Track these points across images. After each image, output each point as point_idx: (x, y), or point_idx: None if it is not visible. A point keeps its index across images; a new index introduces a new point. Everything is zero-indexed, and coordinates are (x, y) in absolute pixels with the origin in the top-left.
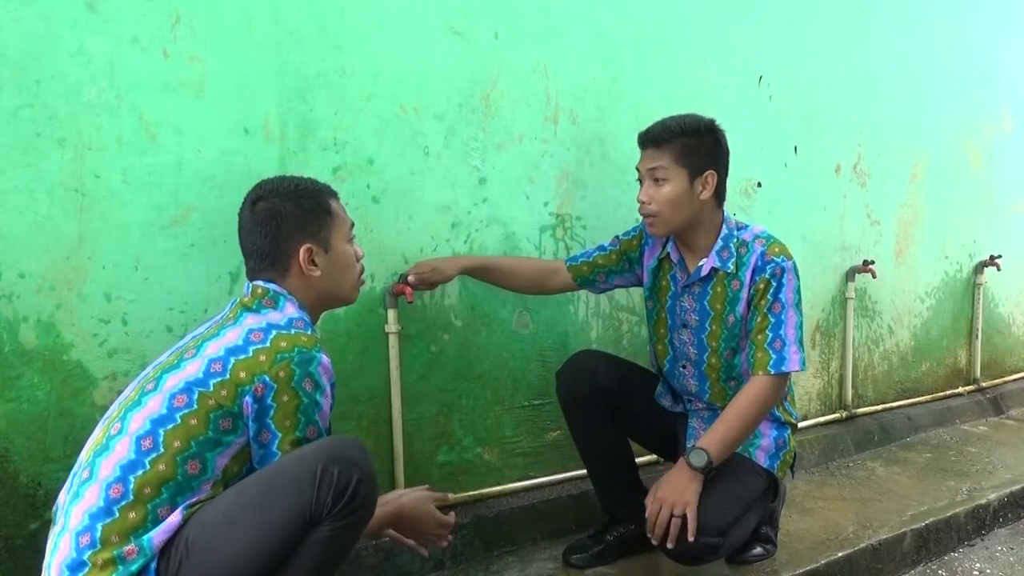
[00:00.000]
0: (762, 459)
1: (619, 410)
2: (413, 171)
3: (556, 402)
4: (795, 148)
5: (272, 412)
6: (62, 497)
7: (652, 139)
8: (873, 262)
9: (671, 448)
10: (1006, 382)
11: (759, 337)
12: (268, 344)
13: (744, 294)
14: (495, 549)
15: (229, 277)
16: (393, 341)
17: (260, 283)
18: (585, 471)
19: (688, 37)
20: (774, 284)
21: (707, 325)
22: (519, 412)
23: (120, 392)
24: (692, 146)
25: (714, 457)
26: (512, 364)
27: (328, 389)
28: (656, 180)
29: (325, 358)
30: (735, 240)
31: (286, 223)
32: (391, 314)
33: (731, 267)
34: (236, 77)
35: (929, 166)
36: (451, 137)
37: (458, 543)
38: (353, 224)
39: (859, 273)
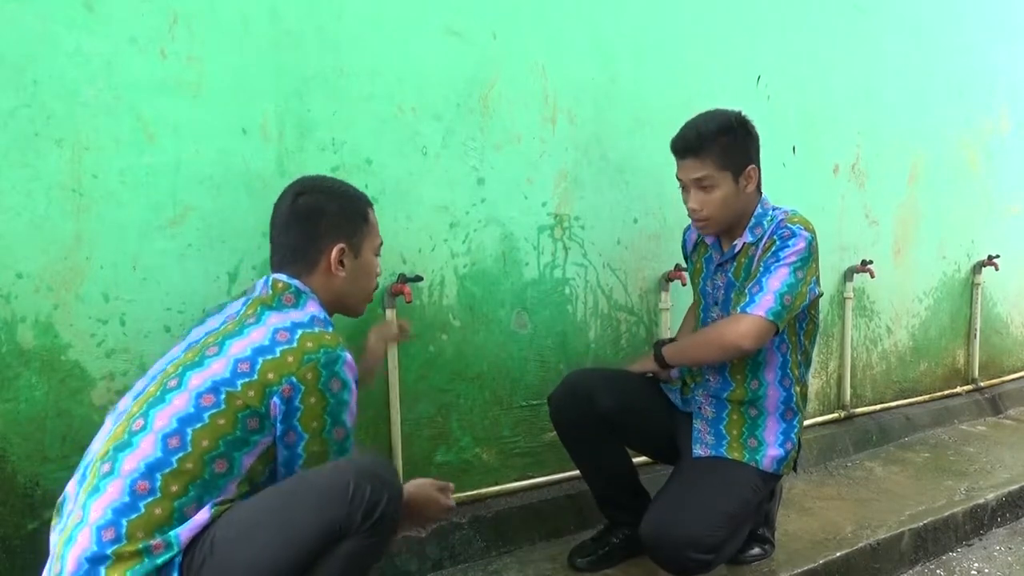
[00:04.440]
0: (769, 465)
1: (617, 428)
2: (411, 171)
3: None
4: (793, 148)
5: (299, 414)
6: (72, 487)
7: (690, 149)
8: (871, 262)
9: (674, 456)
10: (1004, 382)
11: (747, 283)
12: (295, 344)
13: (756, 256)
14: (494, 549)
15: (227, 277)
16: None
17: (283, 278)
18: None
19: (686, 37)
20: (778, 243)
21: (731, 296)
22: (517, 412)
23: (129, 388)
24: (729, 146)
25: (666, 353)
26: (510, 364)
27: (353, 386)
28: (704, 188)
29: (349, 356)
30: (768, 217)
31: (326, 221)
32: (389, 314)
33: (757, 238)
34: (234, 77)
35: (927, 166)
36: (449, 137)
37: (456, 543)
38: (382, 243)
39: (857, 273)
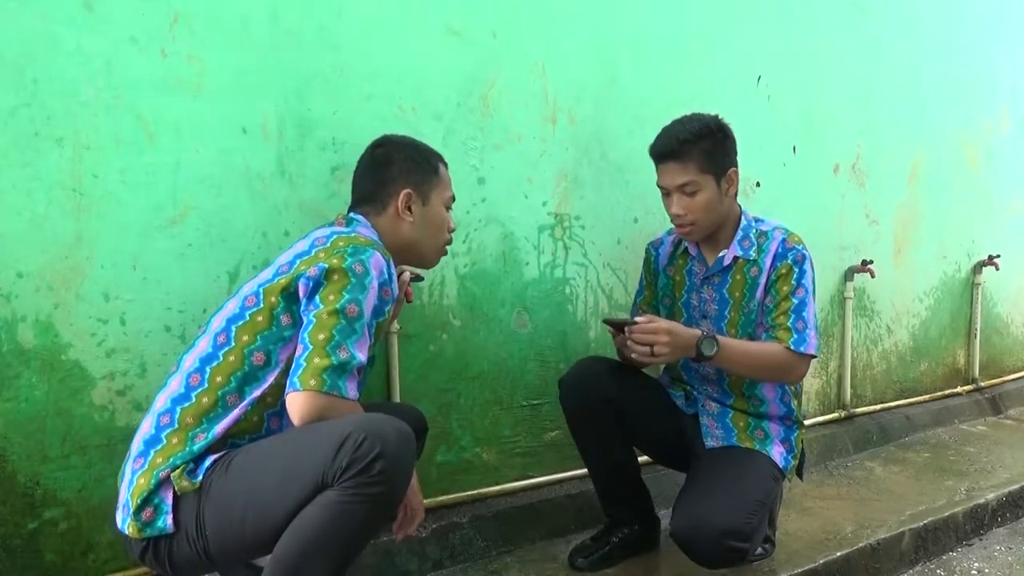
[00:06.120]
0: (778, 459)
1: (625, 418)
2: None
3: (555, 402)
4: (794, 148)
5: (321, 289)
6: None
7: (672, 154)
8: (871, 262)
9: (678, 456)
10: (1004, 382)
11: (781, 318)
12: (328, 244)
13: (763, 279)
14: (494, 549)
15: (227, 276)
16: (392, 341)
17: (346, 213)
18: (584, 471)
19: (687, 37)
20: (796, 270)
21: (726, 313)
22: (517, 412)
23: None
24: (710, 150)
25: (722, 355)
26: (510, 364)
27: (375, 279)
28: (687, 193)
29: (379, 256)
30: (754, 230)
31: (395, 166)
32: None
33: (752, 255)
34: (234, 76)
35: (927, 166)
36: (449, 137)
37: (457, 542)
38: (454, 197)
39: (858, 273)
